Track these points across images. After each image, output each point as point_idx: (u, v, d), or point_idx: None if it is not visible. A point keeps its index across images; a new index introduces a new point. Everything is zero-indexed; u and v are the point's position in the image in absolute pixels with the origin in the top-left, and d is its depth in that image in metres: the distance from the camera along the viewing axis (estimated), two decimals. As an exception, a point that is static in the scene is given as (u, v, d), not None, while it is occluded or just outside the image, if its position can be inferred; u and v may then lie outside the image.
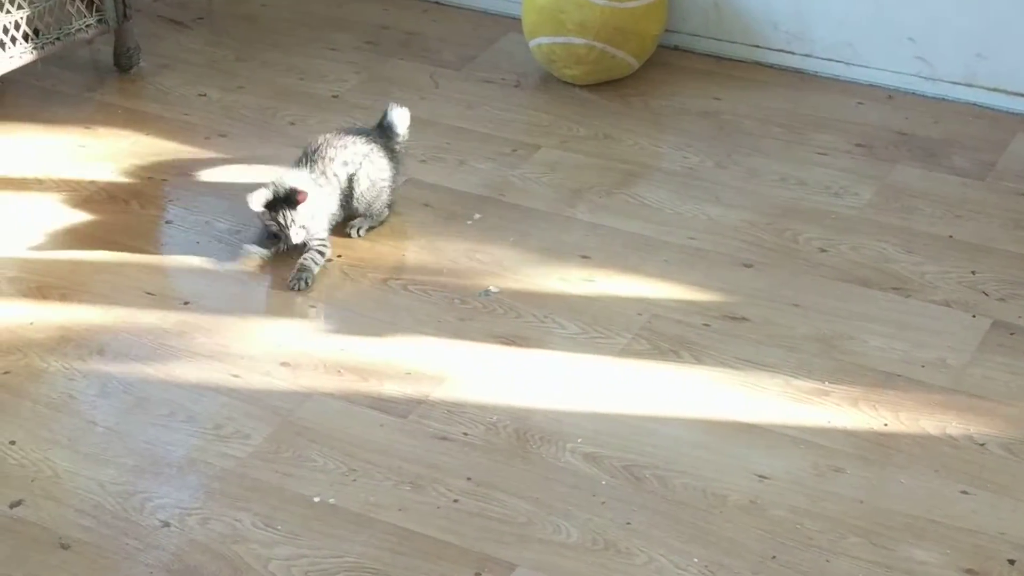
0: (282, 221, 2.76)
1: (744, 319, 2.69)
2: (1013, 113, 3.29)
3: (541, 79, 3.45)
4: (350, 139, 2.90)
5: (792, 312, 2.70)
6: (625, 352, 2.61)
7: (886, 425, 2.44)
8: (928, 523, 2.25)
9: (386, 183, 2.91)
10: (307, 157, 2.89)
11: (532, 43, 3.39)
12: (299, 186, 2.78)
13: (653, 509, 2.28)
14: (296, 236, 2.77)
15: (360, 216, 2.91)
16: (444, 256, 2.86)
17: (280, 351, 2.61)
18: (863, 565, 2.18)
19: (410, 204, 3.01)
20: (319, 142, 2.90)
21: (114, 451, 2.40)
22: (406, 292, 2.77)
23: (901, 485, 2.33)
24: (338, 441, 2.42)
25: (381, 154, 2.92)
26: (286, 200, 2.76)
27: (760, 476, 2.34)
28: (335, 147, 2.87)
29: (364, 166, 2.87)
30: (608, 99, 3.37)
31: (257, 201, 2.77)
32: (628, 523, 2.25)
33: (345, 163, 2.87)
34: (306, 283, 2.75)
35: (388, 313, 2.71)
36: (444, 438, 2.42)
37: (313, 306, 2.74)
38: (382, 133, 2.97)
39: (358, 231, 2.90)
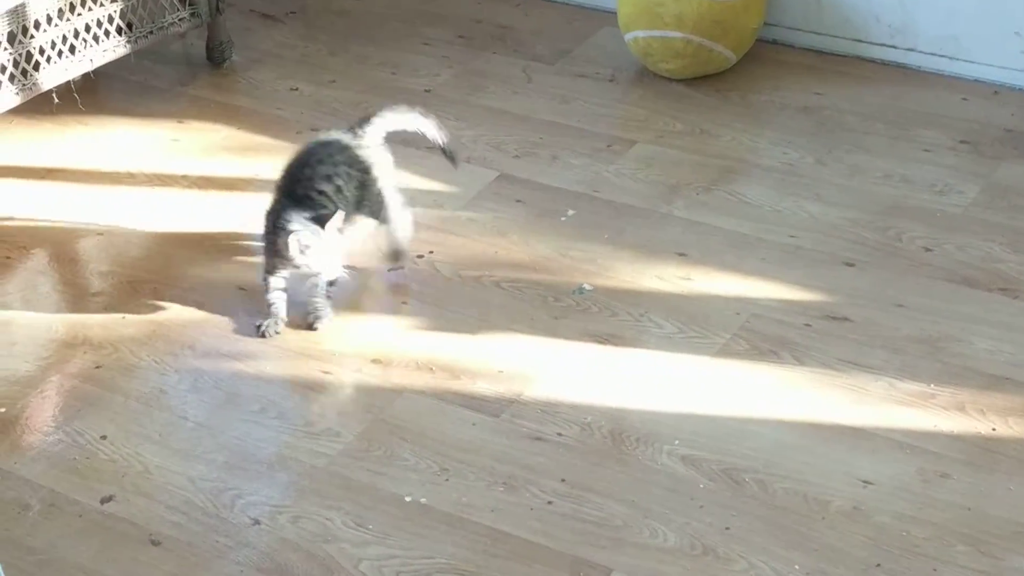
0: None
1: (846, 319, 2.62)
2: (1126, 109, 3.19)
3: (637, 73, 3.39)
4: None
5: (896, 312, 2.63)
6: (723, 352, 2.55)
7: (994, 430, 2.36)
8: (1040, 533, 2.18)
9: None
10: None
11: (628, 37, 3.34)
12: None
13: (753, 514, 2.22)
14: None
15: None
16: (537, 253, 2.82)
17: (371, 348, 2.58)
18: (970, 574, 2.11)
19: (504, 200, 2.97)
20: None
21: (205, 447, 2.38)
22: (498, 289, 2.72)
23: (1010, 492, 2.25)
24: (430, 440, 2.38)
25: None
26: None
27: (864, 481, 2.27)
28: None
29: None
30: (705, 94, 3.31)
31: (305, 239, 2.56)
32: (727, 528, 2.20)
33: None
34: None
35: (480, 310, 2.67)
36: (537, 438, 2.37)
37: (404, 303, 2.70)
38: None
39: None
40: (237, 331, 2.63)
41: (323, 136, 2.71)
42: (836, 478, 2.29)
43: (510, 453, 2.35)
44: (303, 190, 2.60)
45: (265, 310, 2.61)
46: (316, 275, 2.60)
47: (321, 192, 2.59)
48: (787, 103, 3.28)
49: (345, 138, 2.68)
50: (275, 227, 2.57)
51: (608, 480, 2.29)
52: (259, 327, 2.60)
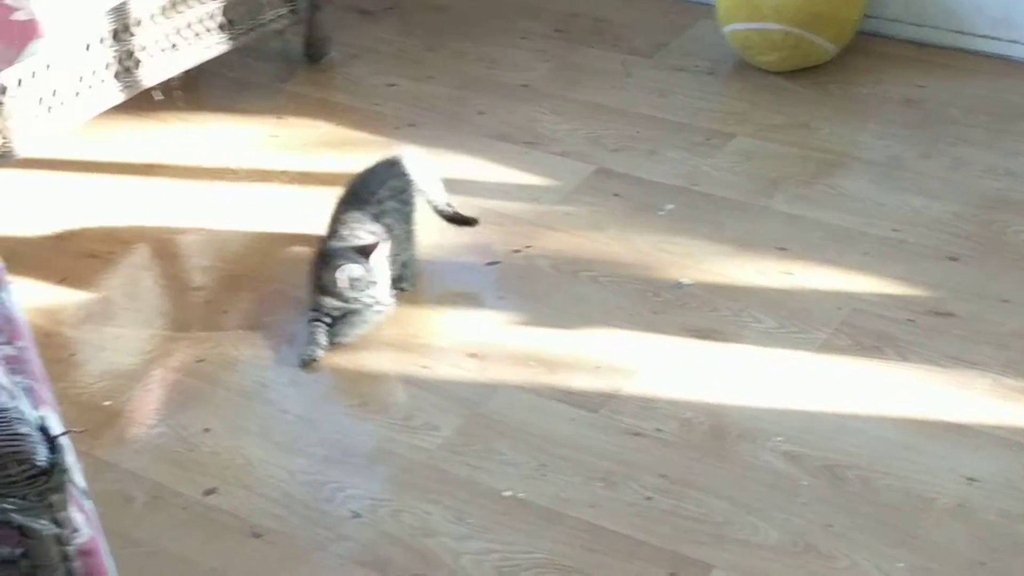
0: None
1: (950, 314, 2.58)
2: None
3: (735, 66, 3.37)
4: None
5: (1001, 308, 2.59)
6: (825, 347, 2.52)
7: (1104, 427, 2.32)
8: None
9: None
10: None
11: (726, 29, 3.31)
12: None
13: (856, 511, 2.19)
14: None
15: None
16: (635, 247, 2.80)
17: (469, 343, 2.58)
18: (1081, 575, 2.07)
19: (601, 194, 2.96)
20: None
21: (305, 440, 2.39)
22: (596, 283, 2.71)
23: (1122, 492, 2.21)
24: (527, 435, 2.37)
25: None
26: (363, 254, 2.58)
27: (969, 478, 2.24)
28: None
29: None
30: (805, 87, 3.27)
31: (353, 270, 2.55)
32: (830, 525, 2.17)
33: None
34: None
35: (578, 305, 2.66)
36: (637, 434, 2.36)
37: (502, 297, 2.70)
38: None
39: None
40: (336, 325, 2.64)
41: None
42: (940, 475, 2.25)
43: (609, 448, 2.34)
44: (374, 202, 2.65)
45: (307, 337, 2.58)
46: (364, 308, 2.58)
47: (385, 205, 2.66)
48: (888, 96, 3.24)
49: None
50: (322, 261, 2.58)
51: (708, 476, 2.28)
52: (304, 353, 2.56)
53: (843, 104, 3.22)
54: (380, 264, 2.57)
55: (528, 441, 2.36)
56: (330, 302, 2.57)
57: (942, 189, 2.92)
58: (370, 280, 2.55)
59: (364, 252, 2.55)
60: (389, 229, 2.64)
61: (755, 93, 3.27)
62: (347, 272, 2.53)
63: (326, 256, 2.58)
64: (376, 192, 2.68)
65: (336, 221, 2.65)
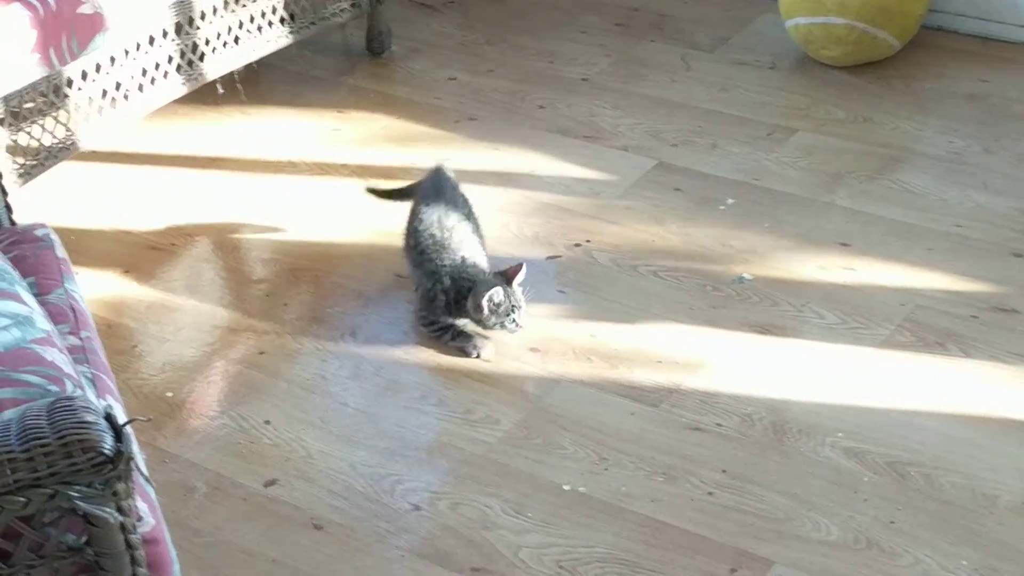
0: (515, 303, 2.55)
1: (1015, 311, 2.55)
2: None
3: (797, 61, 3.34)
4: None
5: (1067, 304, 2.56)
6: (887, 343, 2.50)
7: None
8: None
9: None
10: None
11: (789, 23, 3.29)
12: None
13: (919, 508, 2.18)
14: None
15: None
16: (696, 241, 2.79)
17: (530, 336, 2.58)
18: None
19: (662, 188, 2.95)
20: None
21: (365, 433, 2.40)
22: (657, 278, 2.71)
23: None
24: (588, 429, 2.37)
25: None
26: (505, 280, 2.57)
27: (1034, 477, 2.22)
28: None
29: None
30: (868, 81, 3.25)
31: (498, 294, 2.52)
32: (892, 522, 2.15)
33: None
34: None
35: (638, 299, 2.66)
36: (697, 428, 2.35)
37: (562, 291, 2.70)
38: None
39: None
40: (396, 318, 2.65)
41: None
42: (1005, 473, 2.23)
43: (669, 443, 2.33)
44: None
45: (455, 339, 2.57)
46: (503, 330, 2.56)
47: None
48: (952, 91, 3.21)
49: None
50: (460, 285, 2.55)
51: (769, 472, 2.26)
52: (463, 349, 2.56)
53: (906, 99, 3.19)
54: (519, 287, 2.56)
55: (588, 435, 2.36)
56: (433, 317, 2.57)
57: (1006, 185, 2.88)
58: (513, 304, 2.54)
59: (507, 277, 2.55)
60: (477, 231, 2.69)
61: (817, 88, 3.25)
62: (493, 299, 2.51)
63: (464, 279, 2.55)
64: (457, 195, 2.71)
65: (437, 225, 2.63)
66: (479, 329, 2.57)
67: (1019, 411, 2.34)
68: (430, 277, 2.58)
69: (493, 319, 2.53)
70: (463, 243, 2.63)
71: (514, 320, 2.54)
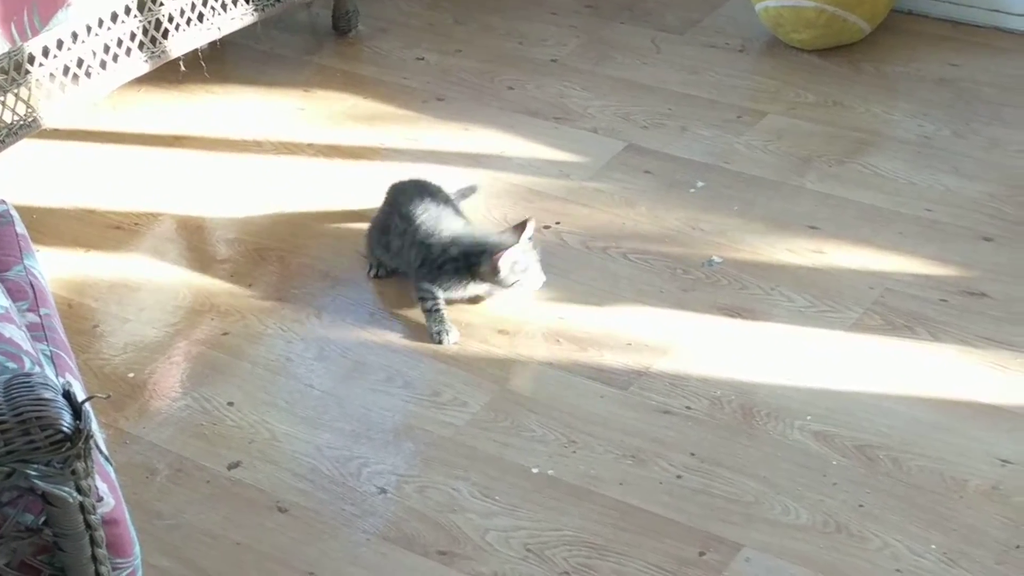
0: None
1: (984, 295, 2.54)
2: None
3: (767, 44, 3.32)
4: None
5: (1036, 289, 2.55)
6: (856, 327, 2.49)
7: None
8: None
9: None
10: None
11: (759, 6, 3.27)
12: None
13: (888, 492, 2.16)
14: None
15: None
16: (666, 224, 2.77)
17: (498, 319, 2.55)
18: (1118, 560, 2.04)
19: (632, 171, 2.93)
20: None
21: (331, 415, 2.37)
22: (626, 260, 2.69)
23: None
24: (557, 411, 2.35)
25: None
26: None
27: (1003, 461, 2.21)
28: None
29: None
30: (838, 65, 3.23)
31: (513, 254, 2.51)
32: (861, 505, 2.14)
33: None
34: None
35: (608, 282, 2.64)
36: (666, 411, 2.34)
37: (531, 273, 2.67)
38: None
39: None
40: (363, 300, 2.62)
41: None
42: (974, 457, 2.22)
43: (638, 426, 2.31)
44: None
45: (434, 322, 2.53)
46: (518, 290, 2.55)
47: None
48: (922, 74, 3.19)
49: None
50: (471, 251, 2.53)
51: (738, 455, 2.25)
52: (437, 334, 2.52)
53: (876, 82, 3.18)
54: (529, 241, 2.55)
55: (557, 418, 2.34)
56: (437, 291, 2.54)
57: (976, 169, 2.88)
58: (529, 259, 2.53)
59: (516, 233, 2.54)
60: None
61: (787, 71, 3.23)
62: (509, 258, 2.50)
63: (473, 245, 2.54)
64: (439, 191, 2.70)
65: (430, 201, 2.64)
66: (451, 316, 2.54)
67: (988, 395, 2.33)
68: (433, 249, 2.56)
69: (512, 278, 2.52)
70: (456, 217, 2.64)
71: (531, 275, 2.53)
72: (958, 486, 2.17)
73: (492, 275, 2.52)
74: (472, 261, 2.53)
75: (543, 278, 2.56)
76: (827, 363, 2.42)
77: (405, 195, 2.68)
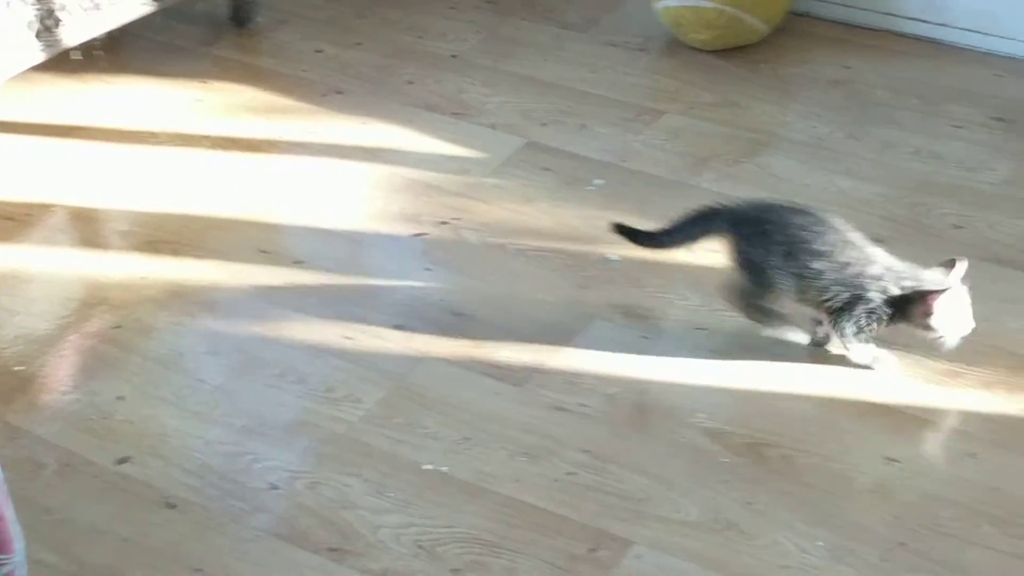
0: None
1: (875, 295, 2.58)
2: None
3: (667, 43, 3.34)
4: None
5: (926, 290, 2.59)
6: (750, 325, 2.51)
7: (1023, 410, 2.33)
8: (1069, 515, 2.14)
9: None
10: None
11: (659, 6, 3.29)
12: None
13: (777, 489, 2.19)
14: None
15: None
16: (564, 222, 2.78)
17: (394, 314, 2.55)
18: (998, 556, 2.08)
19: (531, 167, 2.93)
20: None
21: (222, 410, 2.35)
22: (524, 257, 2.69)
23: (1040, 475, 2.22)
24: (451, 408, 2.35)
25: None
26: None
27: (889, 459, 2.24)
28: None
29: None
30: (736, 65, 3.26)
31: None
32: (750, 503, 2.16)
33: None
34: None
35: (505, 278, 2.64)
36: (561, 408, 2.34)
37: (428, 269, 2.67)
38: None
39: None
40: (257, 294, 2.60)
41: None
42: (861, 455, 2.25)
43: (533, 423, 2.32)
44: None
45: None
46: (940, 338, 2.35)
47: None
48: (818, 76, 3.23)
49: None
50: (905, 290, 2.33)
51: (631, 452, 2.26)
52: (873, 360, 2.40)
53: (772, 83, 3.21)
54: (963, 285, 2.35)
55: (452, 415, 2.34)
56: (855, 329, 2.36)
57: (869, 170, 2.91)
58: (962, 304, 2.33)
59: (945, 268, 2.36)
60: None
61: (686, 71, 3.25)
62: (946, 302, 2.30)
63: (906, 283, 2.33)
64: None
65: (839, 232, 2.39)
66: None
67: (876, 394, 2.37)
68: (867, 287, 2.34)
69: (945, 324, 2.32)
70: (871, 246, 2.41)
71: (961, 323, 2.33)
72: (846, 484, 2.20)
73: (922, 319, 2.32)
74: (906, 300, 2.34)
75: (972, 325, 2.37)
76: (721, 362, 2.44)
77: (808, 218, 2.42)
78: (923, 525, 2.13)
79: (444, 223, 2.77)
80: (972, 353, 2.42)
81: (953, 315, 2.33)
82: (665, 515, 2.15)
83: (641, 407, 2.34)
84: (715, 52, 3.29)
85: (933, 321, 2.32)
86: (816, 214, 2.42)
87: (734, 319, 2.52)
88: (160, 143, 3.04)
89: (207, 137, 3.05)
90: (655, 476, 2.22)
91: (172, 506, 2.17)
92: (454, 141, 3.01)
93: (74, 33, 3.00)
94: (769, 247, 2.38)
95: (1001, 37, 3.27)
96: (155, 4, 3.16)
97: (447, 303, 2.58)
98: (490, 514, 2.16)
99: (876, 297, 2.34)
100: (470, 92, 3.18)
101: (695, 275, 2.63)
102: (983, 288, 2.56)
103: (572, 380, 2.39)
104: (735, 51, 3.29)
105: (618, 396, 2.36)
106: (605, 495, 2.18)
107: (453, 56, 3.33)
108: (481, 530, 2.13)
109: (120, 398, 2.37)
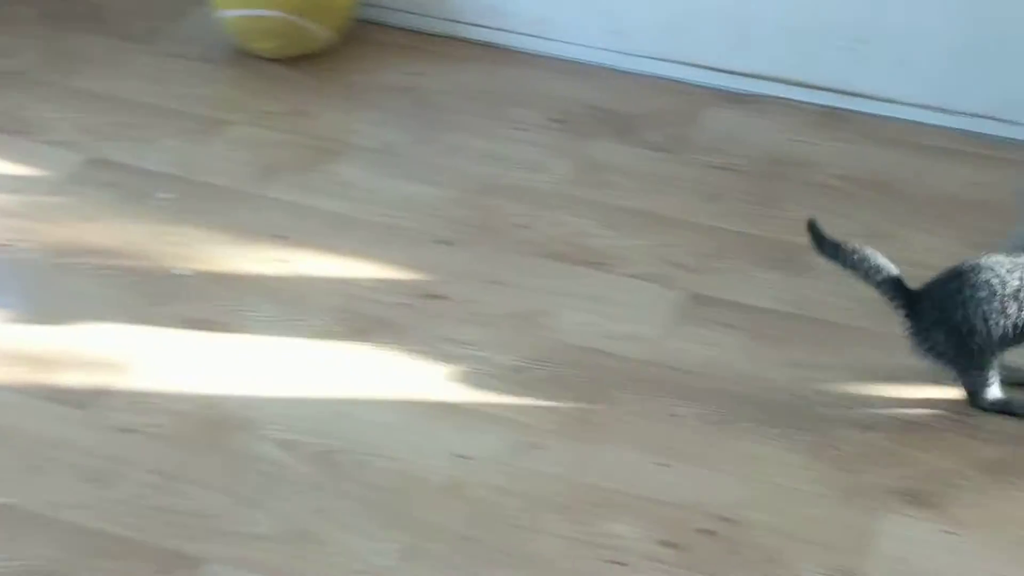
0: None
1: (444, 297, 2.64)
2: (702, 86, 3.31)
3: (233, 54, 3.32)
4: None
5: (492, 289, 2.67)
6: (321, 334, 2.53)
7: (584, 400, 2.43)
8: (626, 497, 2.24)
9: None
10: None
11: (222, 16, 3.27)
12: None
13: (349, 495, 2.21)
14: None
15: None
16: (130, 238, 2.73)
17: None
18: (561, 541, 2.16)
19: (94, 184, 2.86)
20: None
21: None
22: (90, 276, 2.63)
23: (600, 460, 2.31)
24: (13, 437, 2.27)
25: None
26: None
27: (460, 456, 2.30)
28: None
29: None
30: (303, 74, 3.27)
31: None
32: (322, 511, 2.18)
33: None
34: None
35: (70, 299, 2.57)
36: (129, 430, 2.30)
37: (-12, 294, 2.58)
38: None
39: None
40: None
41: None
42: (434, 454, 2.30)
43: (100, 447, 2.27)
44: None
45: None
46: None
47: None
48: (386, 84, 3.28)
49: None
50: None
51: (204, 470, 2.24)
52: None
53: (340, 92, 3.24)
54: None
55: (14, 444, 2.26)
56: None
57: (436, 175, 2.98)
58: None
59: None
60: None
61: (252, 80, 3.24)
62: None
63: None
64: None
65: None
66: None
67: (447, 394, 2.42)
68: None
69: None
70: None
71: None
72: (419, 484, 2.25)
73: None
74: None
75: None
76: (293, 372, 2.45)
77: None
78: (492, 518, 2.19)
79: (4, 246, 2.67)
80: (536, 348, 2.52)
81: None
82: (238, 530, 2.14)
83: (213, 423, 2.33)
84: (282, 61, 3.29)
85: None
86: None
87: (307, 328, 2.53)
88: None
89: None
90: (228, 491, 2.20)
91: None
92: (11, 160, 2.91)
93: None
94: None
95: (556, 41, 3.39)
96: None
97: (7, 329, 2.49)
98: (59, 543, 2.10)
99: None
100: (29, 108, 3.08)
101: (266, 285, 2.63)
102: (547, 285, 2.69)
103: (139, 400, 2.35)
104: (303, 60, 3.30)
105: (189, 413, 2.34)
106: (176, 515, 2.16)
107: (13, 73, 3.21)
108: (50, 560, 2.07)
109: None
